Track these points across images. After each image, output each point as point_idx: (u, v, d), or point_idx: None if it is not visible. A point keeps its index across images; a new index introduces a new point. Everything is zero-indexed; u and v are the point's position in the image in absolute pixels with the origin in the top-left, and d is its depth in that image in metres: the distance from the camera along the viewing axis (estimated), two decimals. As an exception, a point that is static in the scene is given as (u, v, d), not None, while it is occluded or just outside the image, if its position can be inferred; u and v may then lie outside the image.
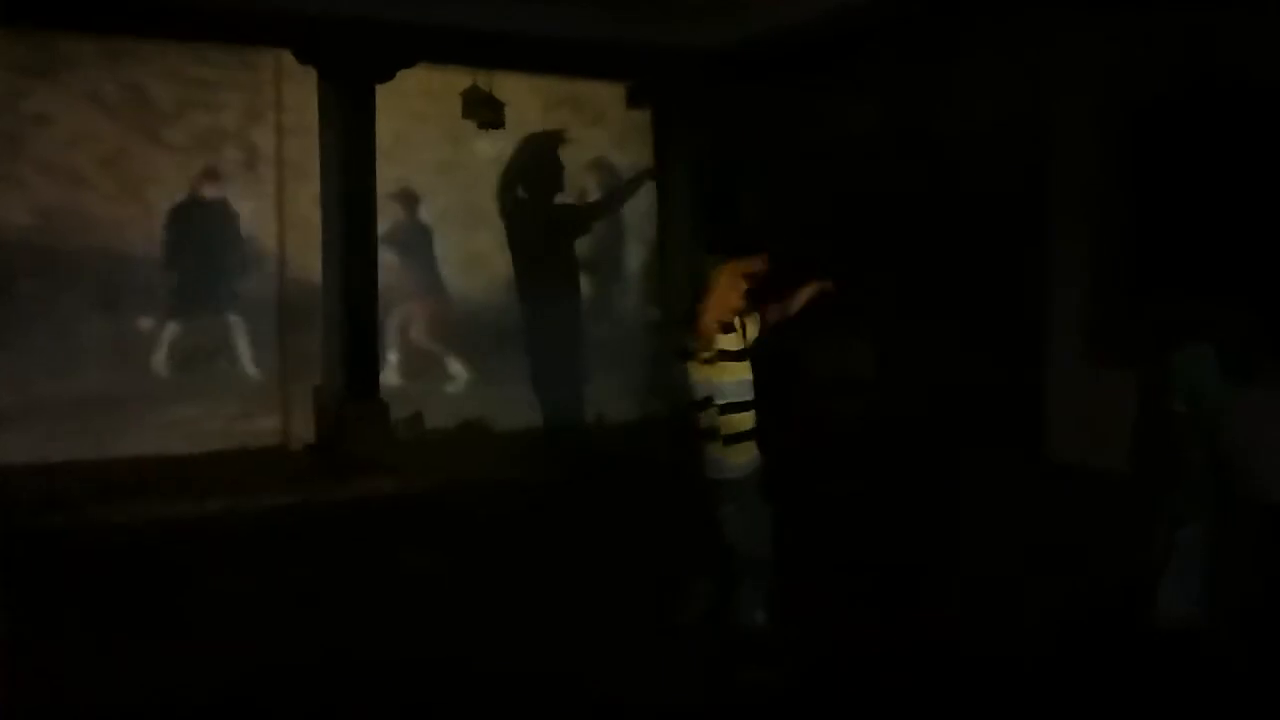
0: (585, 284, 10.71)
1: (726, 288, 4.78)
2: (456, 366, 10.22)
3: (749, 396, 4.92)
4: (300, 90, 9.25)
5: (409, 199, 9.98)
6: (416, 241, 10.09)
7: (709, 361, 4.82)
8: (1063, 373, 7.96)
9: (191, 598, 5.82)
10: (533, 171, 10.35)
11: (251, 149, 9.32)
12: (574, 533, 7.05)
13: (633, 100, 10.49)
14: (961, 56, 8.24)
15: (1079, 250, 7.93)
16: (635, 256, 10.94)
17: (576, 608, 5.61)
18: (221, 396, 9.22)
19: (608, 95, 10.55)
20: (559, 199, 10.51)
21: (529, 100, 10.09)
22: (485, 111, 9.48)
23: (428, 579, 6.15)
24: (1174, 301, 6.13)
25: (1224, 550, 4.95)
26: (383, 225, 9.45)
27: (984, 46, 8.02)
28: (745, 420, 4.90)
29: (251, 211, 9.41)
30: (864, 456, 7.86)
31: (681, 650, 4.92)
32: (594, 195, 10.76)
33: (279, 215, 9.43)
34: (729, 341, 4.85)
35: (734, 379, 4.87)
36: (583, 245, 10.70)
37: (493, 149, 10.04)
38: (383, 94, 9.08)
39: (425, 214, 10.06)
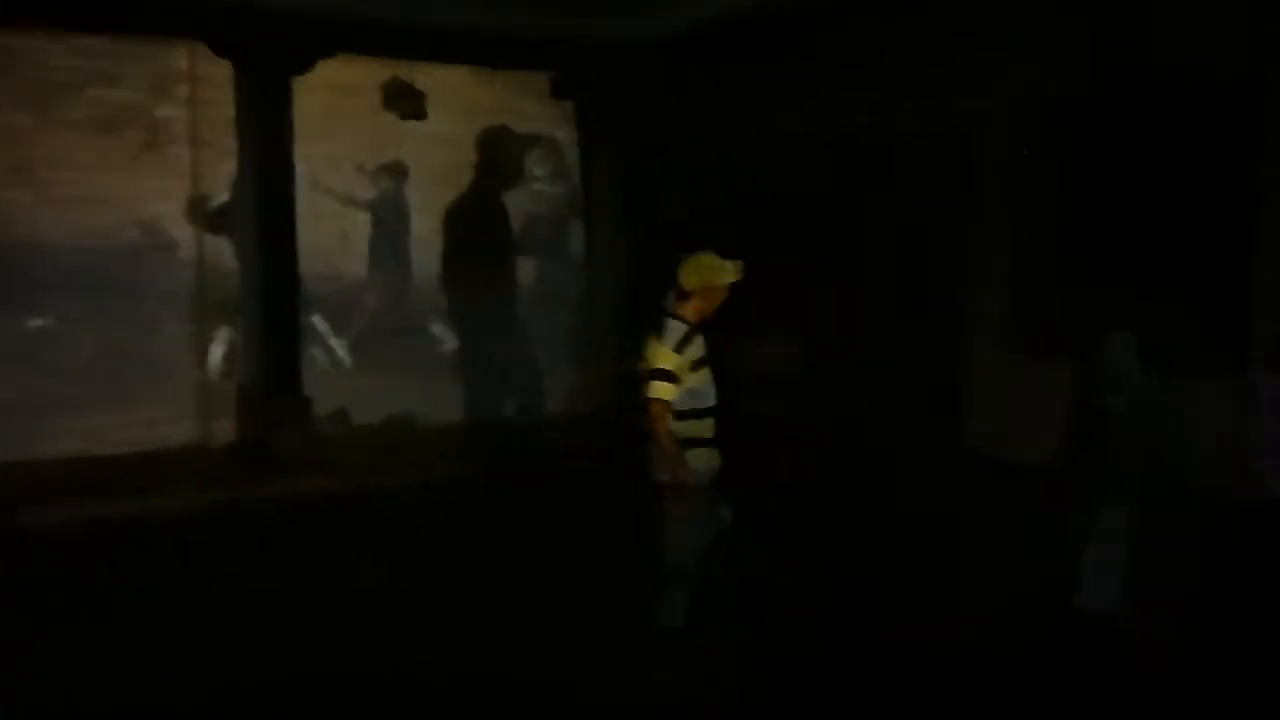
0: (519, 279, 10.58)
1: (717, 291, 4.76)
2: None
3: (709, 404, 4.82)
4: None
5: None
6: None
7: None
8: (988, 365, 8.08)
9: (110, 605, 5.69)
10: (485, 163, 10.19)
11: (156, 127, 8.95)
12: (500, 532, 7.01)
13: (556, 92, 10.40)
14: (886, 51, 8.30)
15: (1003, 243, 8.05)
16: (570, 253, 10.81)
17: (506, 609, 5.60)
18: (137, 394, 8.93)
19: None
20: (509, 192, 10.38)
21: (462, 73, 9.86)
22: (407, 103, 9.37)
23: (350, 582, 6.08)
24: (1098, 292, 6.26)
25: (1147, 537, 5.08)
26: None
27: (908, 40, 8.09)
28: (702, 428, 4.80)
29: (158, 193, 9.01)
30: (791, 454, 7.92)
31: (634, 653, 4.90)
32: (539, 175, 10.59)
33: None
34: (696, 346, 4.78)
35: (692, 385, 4.76)
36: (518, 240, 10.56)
37: (429, 129, 9.79)
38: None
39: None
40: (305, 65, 8.80)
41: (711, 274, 4.76)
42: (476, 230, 10.15)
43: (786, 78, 9.13)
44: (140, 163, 8.91)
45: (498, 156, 10.18)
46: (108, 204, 8.81)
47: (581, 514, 6.99)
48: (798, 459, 7.76)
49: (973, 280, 8.14)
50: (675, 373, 4.69)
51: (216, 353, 9.24)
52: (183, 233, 9.14)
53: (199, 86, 8.97)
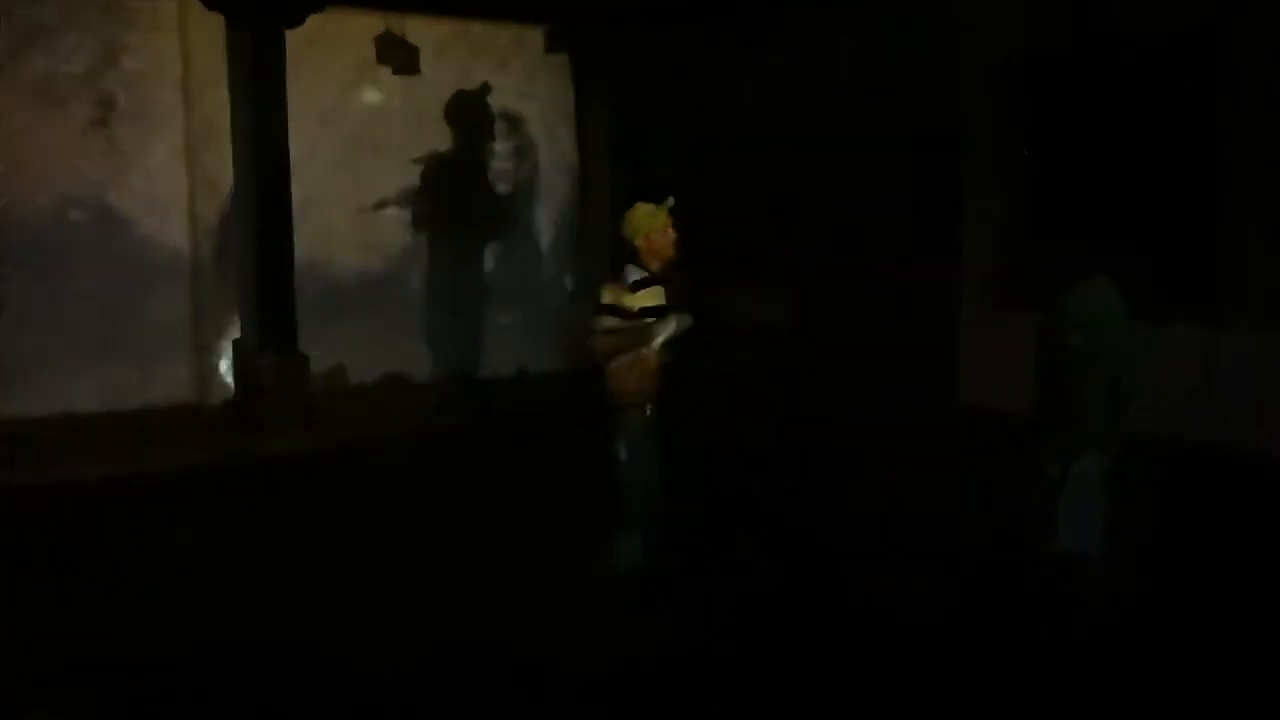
0: (506, 233, 10.57)
1: (657, 235, 4.90)
2: None
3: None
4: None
5: None
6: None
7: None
8: (973, 317, 8.05)
9: (101, 564, 5.68)
10: (457, 122, 10.13)
11: (105, 101, 8.73)
12: (490, 486, 7.03)
13: (551, 44, 10.31)
14: (871, 8, 8.22)
15: (987, 197, 8.02)
16: (555, 207, 10.78)
17: (488, 565, 5.60)
18: (135, 351, 8.92)
19: (512, 36, 10.28)
20: (485, 150, 10.32)
21: (421, 41, 9.78)
22: (399, 56, 9.31)
23: (337, 540, 6.07)
24: (1078, 244, 6.19)
25: (1119, 484, 5.03)
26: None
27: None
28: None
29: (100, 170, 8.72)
30: (778, 404, 7.90)
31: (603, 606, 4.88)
32: (503, 147, 10.52)
33: (187, 160, 9.07)
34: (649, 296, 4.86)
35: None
36: (504, 195, 10.54)
37: (378, 97, 9.72)
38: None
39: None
40: (298, 18, 8.75)
41: (646, 222, 4.93)
42: (449, 192, 10.11)
43: (775, 31, 9.04)
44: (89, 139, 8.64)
45: (468, 119, 10.11)
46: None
47: (557, 470, 6.98)
48: (781, 410, 7.75)
49: (959, 235, 8.10)
50: (621, 308, 4.87)
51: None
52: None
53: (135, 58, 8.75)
